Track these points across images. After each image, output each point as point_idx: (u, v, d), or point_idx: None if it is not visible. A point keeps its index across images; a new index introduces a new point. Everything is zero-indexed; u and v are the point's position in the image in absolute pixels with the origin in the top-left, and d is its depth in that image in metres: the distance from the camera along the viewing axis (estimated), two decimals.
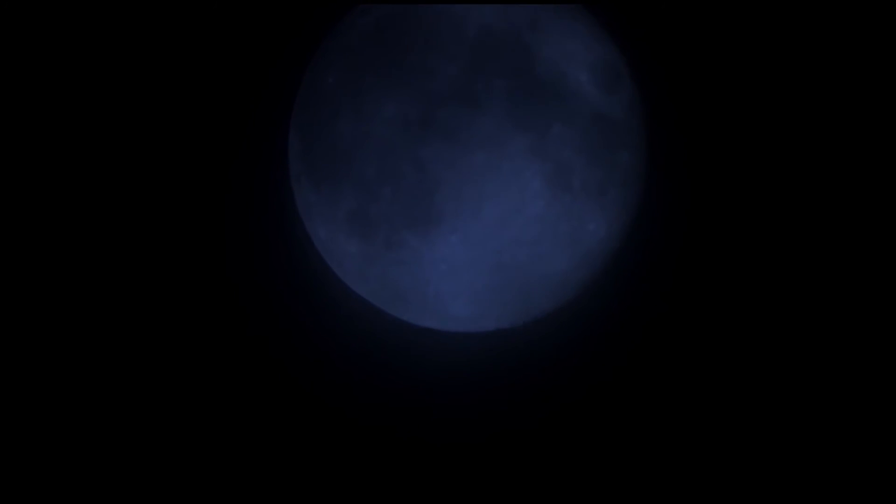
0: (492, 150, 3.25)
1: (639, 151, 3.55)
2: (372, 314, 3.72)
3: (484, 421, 3.84)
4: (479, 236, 3.31)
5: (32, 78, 3.72)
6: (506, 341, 3.73)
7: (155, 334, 3.83)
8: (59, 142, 3.76)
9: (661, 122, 3.63)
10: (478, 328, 3.67)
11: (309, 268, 3.76)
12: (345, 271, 3.67)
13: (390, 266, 3.45)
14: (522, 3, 3.37)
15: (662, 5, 3.65)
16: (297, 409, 3.88)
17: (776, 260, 3.74)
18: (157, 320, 3.82)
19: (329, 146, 3.41)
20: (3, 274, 3.77)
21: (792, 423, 3.78)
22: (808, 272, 3.74)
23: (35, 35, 3.71)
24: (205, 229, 3.80)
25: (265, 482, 3.89)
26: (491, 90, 3.25)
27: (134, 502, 3.83)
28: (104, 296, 3.80)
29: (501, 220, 3.30)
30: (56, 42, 3.71)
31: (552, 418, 3.83)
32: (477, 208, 3.27)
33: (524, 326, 3.70)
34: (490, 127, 3.25)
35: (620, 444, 3.83)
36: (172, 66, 3.73)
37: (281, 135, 3.68)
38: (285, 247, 3.79)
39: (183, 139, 3.77)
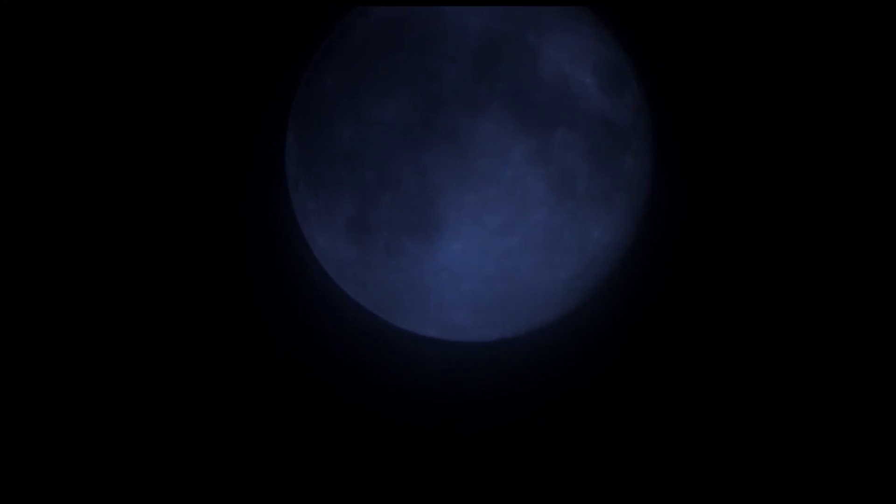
0: (494, 155, 3.23)
1: (645, 156, 3.54)
2: (371, 323, 3.71)
3: (486, 433, 3.83)
4: (482, 243, 3.30)
5: (25, 90, 3.72)
6: (509, 351, 3.72)
7: (148, 343, 3.82)
8: (53, 145, 3.76)
9: (668, 127, 3.62)
10: (480, 338, 3.66)
11: (307, 276, 3.76)
12: (344, 279, 3.66)
13: (390, 274, 3.43)
14: (525, 4, 3.35)
15: (669, 6, 3.65)
16: (294, 420, 3.88)
17: (790, 267, 3.73)
18: (151, 329, 3.81)
19: (327, 151, 3.39)
20: None
21: (807, 436, 3.77)
22: (824, 278, 3.73)
23: (29, 42, 3.70)
24: (200, 236, 3.79)
25: (261, 494, 3.88)
26: (493, 93, 3.23)
27: None
28: (98, 304, 3.79)
29: (504, 226, 3.28)
30: (51, 44, 3.71)
31: (556, 431, 3.83)
32: (479, 215, 3.26)
33: (528, 336, 3.69)
34: (492, 131, 3.23)
35: (626, 460, 3.83)
36: (166, 68, 3.73)
37: (278, 139, 3.67)
38: (282, 254, 3.79)
39: (177, 144, 3.76)
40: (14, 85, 3.70)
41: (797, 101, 3.68)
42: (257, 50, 3.70)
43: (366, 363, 3.83)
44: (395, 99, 3.26)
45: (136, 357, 3.82)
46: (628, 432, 3.82)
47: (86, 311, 3.79)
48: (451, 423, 3.83)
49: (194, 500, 3.85)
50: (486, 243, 3.29)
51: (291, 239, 3.71)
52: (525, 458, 3.84)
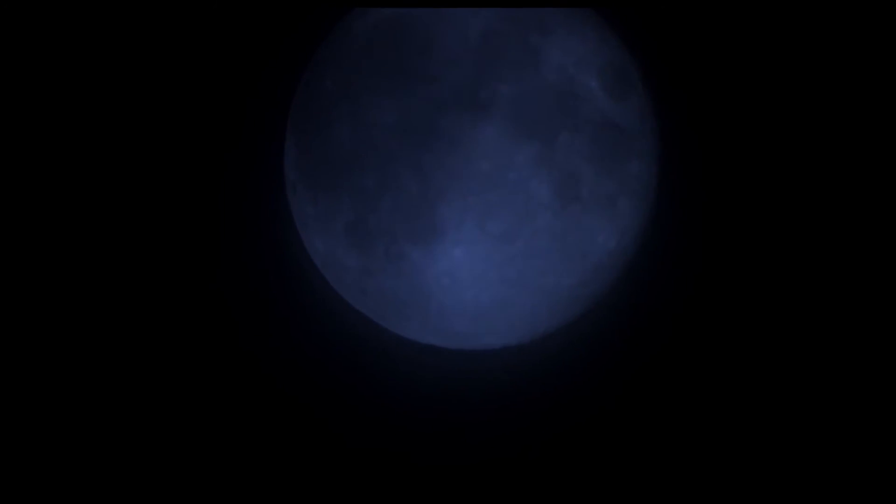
0: (497, 159, 3.20)
1: (650, 160, 3.51)
2: (371, 330, 3.69)
3: (489, 443, 3.81)
4: (484, 249, 3.27)
5: (24, 90, 3.73)
6: (512, 360, 3.71)
7: (144, 350, 3.82)
8: (51, 148, 3.76)
9: (674, 130, 3.60)
10: (482, 346, 3.63)
11: (305, 282, 3.74)
12: (343, 285, 3.63)
13: (390, 280, 3.40)
14: (529, 6, 3.32)
15: (676, 8, 3.63)
16: (292, 429, 3.87)
17: (799, 272, 3.71)
18: (148, 336, 3.81)
19: (326, 154, 3.36)
20: None
21: (818, 445, 3.75)
22: (833, 282, 3.71)
23: (29, 42, 3.70)
24: (196, 241, 3.78)
25: (258, 501, 3.87)
26: (496, 96, 3.20)
27: None
28: (95, 308, 3.79)
29: (507, 232, 3.25)
30: (51, 44, 3.70)
31: (561, 442, 3.81)
32: (481, 220, 3.23)
33: (531, 344, 3.67)
34: (495, 135, 3.20)
35: (633, 470, 3.80)
36: (163, 70, 3.72)
37: (276, 143, 3.65)
38: (280, 260, 3.77)
39: (173, 147, 3.75)
40: (13, 85, 3.70)
41: (804, 104, 3.67)
42: (255, 52, 3.69)
43: (365, 371, 3.82)
44: (396, 101, 3.24)
45: (132, 363, 3.82)
46: (635, 443, 3.79)
47: (83, 315, 3.79)
48: (452, 433, 3.81)
49: (190, 502, 3.85)
50: (488, 249, 3.27)
51: (289, 244, 3.69)
52: (528, 469, 3.82)
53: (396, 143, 3.24)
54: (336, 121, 3.34)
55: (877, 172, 3.67)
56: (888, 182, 3.67)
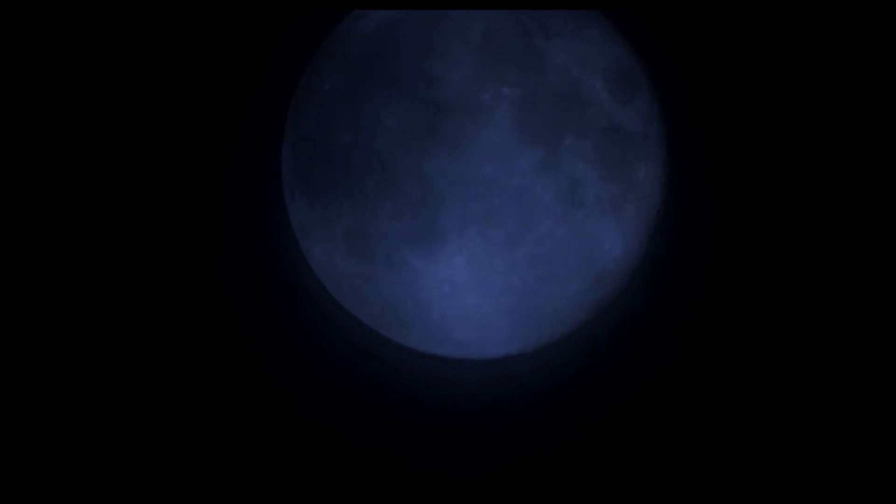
0: (500, 163, 3.18)
1: (657, 164, 3.50)
2: (371, 339, 3.68)
3: (491, 453, 3.80)
4: (486, 256, 3.25)
5: (23, 90, 3.72)
6: (515, 368, 3.69)
7: (142, 354, 3.82)
8: (48, 150, 3.76)
9: (681, 133, 3.58)
10: (484, 354, 3.63)
11: (304, 289, 3.72)
12: (342, 293, 3.61)
13: (391, 288, 3.38)
14: (533, 8, 3.30)
15: (683, 9, 3.61)
16: (292, 438, 3.85)
17: (809, 277, 3.69)
18: (145, 340, 3.81)
19: (325, 159, 3.34)
20: None
21: (831, 451, 3.74)
22: (844, 285, 3.69)
23: (29, 42, 3.70)
24: (192, 248, 3.76)
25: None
26: (499, 99, 3.18)
27: None
28: (94, 310, 3.80)
29: (510, 238, 3.23)
30: (50, 45, 3.70)
31: (565, 451, 3.79)
32: (483, 226, 3.21)
33: (534, 353, 3.65)
34: (498, 139, 3.18)
35: (639, 479, 3.79)
36: (160, 72, 3.71)
37: (273, 147, 3.64)
38: (278, 267, 3.76)
39: (168, 152, 3.74)
40: (13, 85, 3.70)
41: (811, 106, 3.66)
42: (251, 54, 3.69)
43: (365, 380, 3.80)
44: (396, 105, 3.22)
45: (129, 369, 3.82)
46: (642, 452, 3.79)
47: (81, 314, 3.80)
48: (454, 442, 3.80)
49: (189, 502, 3.86)
50: (490, 256, 3.25)
51: (287, 251, 3.68)
52: (532, 481, 3.81)
53: (397, 147, 3.22)
54: (335, 124, 3.32)
55: (888, 175, 3.66)
56: None
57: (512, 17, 3.27)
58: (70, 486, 3.82)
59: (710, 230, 3.68)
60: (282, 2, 3.65)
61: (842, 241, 3.66)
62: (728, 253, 3.69)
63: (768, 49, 3.62)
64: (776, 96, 3.65)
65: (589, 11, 3.43)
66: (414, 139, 3.19)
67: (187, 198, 3.74)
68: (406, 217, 3.24)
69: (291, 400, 3.83)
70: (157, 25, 3.66)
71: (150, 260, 3.77)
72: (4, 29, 3.65)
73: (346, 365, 3.79)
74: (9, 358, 3.79)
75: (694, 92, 3.62)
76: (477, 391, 3.74)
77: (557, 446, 3.79)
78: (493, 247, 3.23)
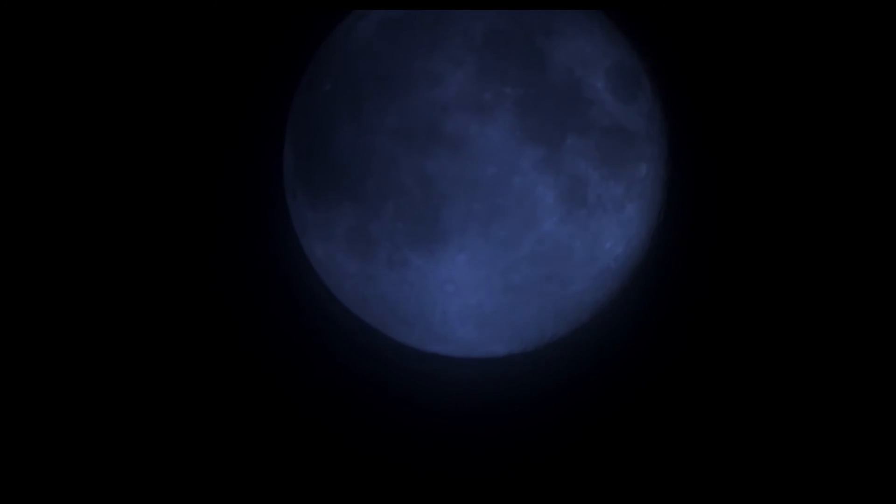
0: (501, 163, 3.18)
1: (659, 164, 3.49)
2: (373, 338, 3.68)
3: (492, 453, 3.80)
4: (488, 255, 3.25)
5: (23, 90, 3.72)
6: (517, 368, 3.69)
7: (141, 357, 3.81)
8: (48, 150, 3.75)
9: (683, 133, 3.58)
10: (487, 353, 3.62)
11: (305, 289, 3.72)
12: (344, 293, 3.61)
13: (393, 287, 3.38)
14: (536, 8, 3.29)
15: (685, 9, 3.60)
16: (294, 438, 3.85)
17: (811, 277, 3.69)
18: (144, 343, 3.80)
19: (326, 159, 3.34)
20: None
21: (831, 454, 3.73)
22: (846, 285, 3.69)
23: (29, 42, 3.70)
24: (193, 248, 3.76)
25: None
26: (500, 99, 3.18)
27: None
28: (94, 310, 3.79)
29: (512, 238, 3.23)
30: (50, 46, 3.69)
31: (567, 450, 3.79)
32: (485, 225, 3.21)
33: (536, 352, 3.64)
34: (499, 138, 3.18)
35: (641, 478, 3.78)
36: (160, 72, 3.70)
37: (274, 147, 3.63)
38: (279, 267, 3.75)
39: (169, 152, 3.73)
40: (12, 85, 3.70)
41: (814, 107, 3.65)
42: (252, 54, 3.68)
43: (367, 380, 3.80)
44: (398, 104, 3.21)
45: (127, 373, 3.81)
46: (643, 452, 3.78)
47: (82, 314, 3.80)
48: (456, 442, 3.80)
49: (188, 502, 3.86)
50: (492, 255, 3.25)
51: (288, 251, 3.67)
52: (534, 481, 3.80)
53: (398, 147, 3.21)
54: (336, 124, 3.31)
55: (890, 176, 3.66)
56: None
57: (513, 16, 3.27)
58: (70, 486, 3.82)
59: (711, 229, 3.68)
60: (282, 2, 3.65)
61: (843, 240, 3.66)
62: (730, 252, 3.68)
63: (770, 49, 3.62)
64: (778, 96, 3.65)
65: (591, 12, 3.43)
66: (415, 138, 3.19)
67: (188, 198, 3.74)
68: (408, 216, 3.23)
69: (291, 400, 3.83)
70: (157, 25, 3.66)
71: (151, 260, 3.76)
72: (4, 29, 3.64)
73: (346, 364, 3.79)
74: (9, 358, 3.78)
75: (695, 91, 3.62)
76: (478, 391, 3.74)
77: (558, 446, 3.79)
78: (494, 246, 3.23)
